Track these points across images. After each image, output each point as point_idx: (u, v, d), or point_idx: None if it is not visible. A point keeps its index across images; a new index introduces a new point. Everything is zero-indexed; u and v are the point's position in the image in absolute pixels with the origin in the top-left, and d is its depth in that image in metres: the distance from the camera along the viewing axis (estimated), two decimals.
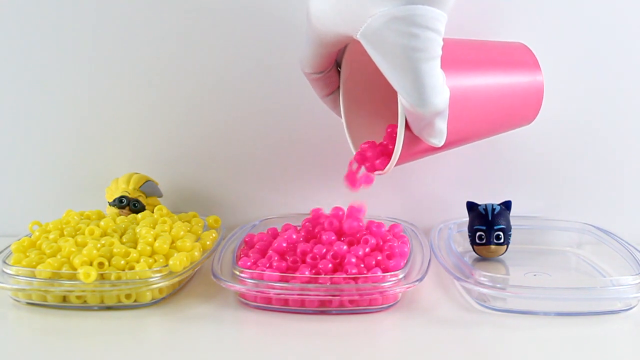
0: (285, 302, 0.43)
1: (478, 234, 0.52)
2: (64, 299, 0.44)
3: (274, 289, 0.42)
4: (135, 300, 0.44)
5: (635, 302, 0.43)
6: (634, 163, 0.58)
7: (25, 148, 0.60)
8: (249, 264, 0.45)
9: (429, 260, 0.46)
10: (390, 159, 0.42)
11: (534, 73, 0.48)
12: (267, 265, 0.45)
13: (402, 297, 0.45)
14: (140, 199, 0.55)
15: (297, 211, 0.57)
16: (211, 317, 0.43)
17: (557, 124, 0.56)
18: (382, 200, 0.60)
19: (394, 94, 0.39)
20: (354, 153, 0.47)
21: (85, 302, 0.44)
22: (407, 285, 0.42)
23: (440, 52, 0.37)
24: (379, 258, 0.44)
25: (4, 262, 0.45)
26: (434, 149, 0.43)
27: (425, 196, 0.60)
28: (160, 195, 0.58)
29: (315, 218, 0.51)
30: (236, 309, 0.44)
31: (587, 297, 0.42)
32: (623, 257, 0.49)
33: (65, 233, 0.48)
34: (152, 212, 0.53)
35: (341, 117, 0.48)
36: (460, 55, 0.44)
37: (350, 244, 0.47)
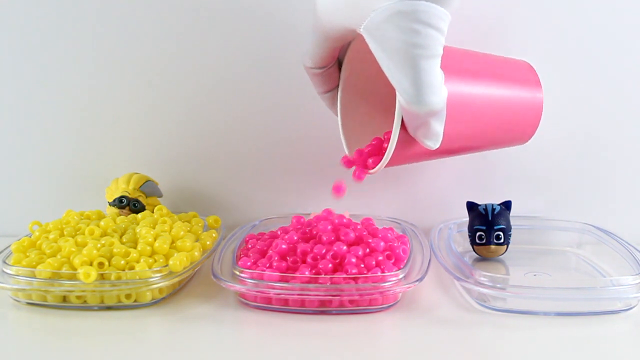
0: (285, 302, 0.43)
1: (478, 234, 0.52)
2: (64, 299, 0.44)
3: (274, 289, 0.42)
4: (135, 300, 0.44)
5: (635, 302, 0.43)
6: (634, 163, 0.58)
7: (25, 148, 0.60)
8: (249, 264, 0.45)
9: (429, 260, 0.46)
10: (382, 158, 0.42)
11: (534, 90, 0.47)
12: (267, 265, 0.45)
13: (402, 297, 0.45)
14: (140, 199, 0.55)
15: (297, 211, 0.57)
16: (211, 317, 0.43)
17: (557, 124, 0.55)
18: (382, 200, 0.60)
19: (391, 99, 0.39)
20: (347, 152, 0.47)
21: (85, 302, 0.44)
22: (407, 285, 0.42)
23: (441, 52, 0.37)
24: (380, 258, 0.44)
25: (4, 262, 0.45)
26: (428, 154, 0.43)
27: (425, 196, 0.60)
28: (160, 195, 0.58)
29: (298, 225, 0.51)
30: (236, 309, 0.44)
31: (587, 297, 0.42)
32: (623, 257, 0.49)
33: (65, 233, 0.48)
34: (152, 212, 0.53)
35: (337, 115, 0.48)
36: (463, 63, 0.44)
37: (350, 244, 0.47)
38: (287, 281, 0.42)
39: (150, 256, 0.45)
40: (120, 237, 0.48)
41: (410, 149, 0.42)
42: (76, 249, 0.45)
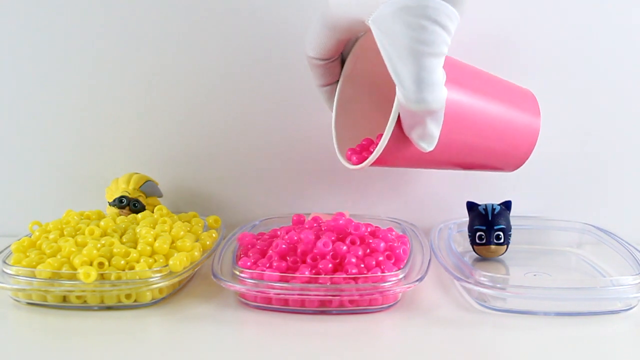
0: (285, 302, 0.43)
1: (478, 234, 0.52)
2: (64, 299, 0.44)
3: (274, 289, 0.42)
4: (135, 300, 0.44)
5: (635, 302, 0.43)
6: (634, 163, 0.58)
7: (25, 148, 0.60)
8: (249, 264, 0.45)
9: (429, 260, 0.46)
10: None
11: (532, 117, 0.47)
12: (267, 265, 0.45)
13: (402, 297, 0.45)
14: (140, 199, 0.55)
15: (297, 211, 0.57)
16: (211, 317, 0.43)
17: (557, 124, 0.55)
18: (382, 200, 0.60)
19: (390, 104, 0.39)
20: (336, 148, 0.46)
21: (85, 302, 0.44)
22: (407, 285, 0.42)
23: (445, 51, 0.37)
24: (380, 259, 0.44)
25: (4, 262, 0.45)
26: (419, 159, 0.43)
27: (425, 196, 0.60)
28: (160, 195, 0.58)
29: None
30: (236, 309, 0.44)
31: (587, 297, 0.42)
32: (623, 257, 0.49)
33: (65, 233, 0.48)
34: (152, 212, 0.53)
35: (332, 111, 0.48)
36: (468, 76, 0.44)
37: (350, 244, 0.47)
38: (287, 281, 0.42)
39: (150, 256, 0.45)
40: (120, 237, 0.48)
41: (402, 149, 0.41)
42: (76, 249, 0.45)
